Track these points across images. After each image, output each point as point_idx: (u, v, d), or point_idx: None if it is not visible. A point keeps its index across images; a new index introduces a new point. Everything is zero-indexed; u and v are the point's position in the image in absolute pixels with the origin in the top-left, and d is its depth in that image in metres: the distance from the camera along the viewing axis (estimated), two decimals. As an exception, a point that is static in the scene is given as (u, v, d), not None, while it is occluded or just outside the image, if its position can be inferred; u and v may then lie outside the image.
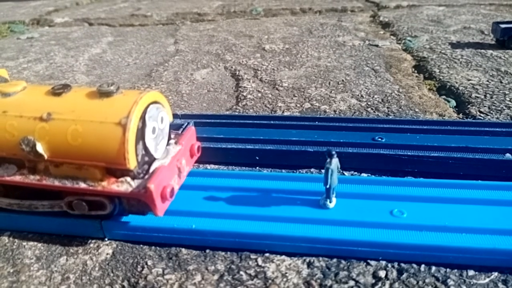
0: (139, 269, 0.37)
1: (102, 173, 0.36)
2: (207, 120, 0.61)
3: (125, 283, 0.36)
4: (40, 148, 0.35)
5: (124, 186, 0.35)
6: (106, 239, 0.41)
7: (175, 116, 0.62)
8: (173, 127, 0.59)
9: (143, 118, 0.35)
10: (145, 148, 0.36)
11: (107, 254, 0.39)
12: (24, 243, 0.41)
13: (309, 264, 0.37)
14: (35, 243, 0.41)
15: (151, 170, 0.37)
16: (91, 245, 0.41)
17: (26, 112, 0.36)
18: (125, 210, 0.38)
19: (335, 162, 0.39)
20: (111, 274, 0.37)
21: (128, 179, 0.36)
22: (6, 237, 0.42)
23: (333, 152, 0.38)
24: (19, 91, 0.39)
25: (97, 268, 0.38)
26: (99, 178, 0.36)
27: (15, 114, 0.37)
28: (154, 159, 0.38)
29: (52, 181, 0.37)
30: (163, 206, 0.36)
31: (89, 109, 0.36)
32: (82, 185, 0.36)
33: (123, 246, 0.40)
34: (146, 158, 0.37)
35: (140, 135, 0.35)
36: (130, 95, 0.36)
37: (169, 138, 0.40)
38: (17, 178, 0.38)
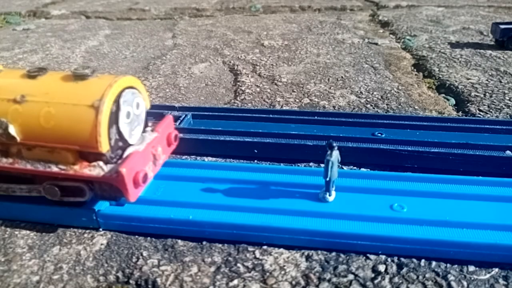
0: (134, 260, 0.36)
1: (74, 157, 0.35)
2: (206, 113, 0.60)
3: (120, 274, 0.35)
4: (12, 130, 0.35)
5: (96, 170, 0.35)
6: (101, 229, 0.40)
7: (172, 108, 0.62)
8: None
9: (117, 102, 0.35)
10: (119, 133, 0.36)
11: (101, 244, 0.38)
12: (16, 232, 0.40)
13: (308, 257, 0.36)
14: (28, 232, 0.40)
15: (124, 156, 0.36)
16: (85, 235, 0.40)
17: (0, 94, 0.36)
18: (97, 195, 0.38)
19: (335, 155, 0.38)
20: (105, 265, 0.36)
21: (101, 163, 0.35)
22: (-2, 226, 0.41)
23: (334, 144, 0.38)
24: None
25: (91, 259, 0.37)
26: (71, 162, 0.35)
27: None
28: (129, 144, 0.37)
29: (25, 164, 0.36)
30: (135, 191, 0.35)
31: (63, 91, 0.35)
32: (54, 168, 0.36)
33: (118, 236, 0.39)
34: (120, 143, 0.36)
35: (114, 119, 0.35)
36: (105, 78, 0.35)
37: (146, 126, 0.40)
38: None
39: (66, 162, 0.35)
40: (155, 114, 0.60)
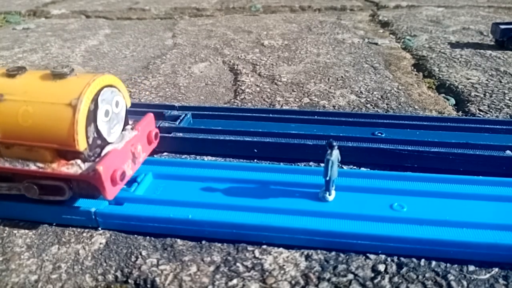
0: (133, 259, 0.36)
1: (52, 155, 0.35)
2: (206, 112, 0.60)
3: (118, 273, 0.35)
4: None
5: (74, 168, 0.35)
6: (100, 228, 0.40)
7: (172, 107, 0.62)
8: (169, 118, 0.58)
9: (95, 101, 0.35)
10: (97, 131, 0.36)
11: (100, 243, 0.38)
12: (15, 231, 0.40)
13: (307, 257, 0.36)
14: (26, 231, 0.40)
15: (103, 154, 0.36)
16: (84, 234, 0.40)
17: None
18: (76, 194, 0.38)
19: (335, 154, 0.38)
20: (104, 264, 0.36)
21: (79, 161, 0.35)
22: (-3, 225, 0.41)
23: (334, 143, 0.37)
24: None
25: (89, 258, 0.37)
26: (49, 160, 0.36)
27: None
28: (108, 143, 0.37)
29: (3, 163, 0.37)
30: (112, 189, 0.35)
31: (41, 90, 0.35)
32: (33, 167, 0.36)
33: (117, 236, 0.39)
34: (99, 142, 0.36)
35: (92, 117, 0.35)
36: (83, 77, 0.36)
37: (127, 124, 0.40)
38: None
39: (44, 160, 0.36)
40: (155, 114, 0.60)
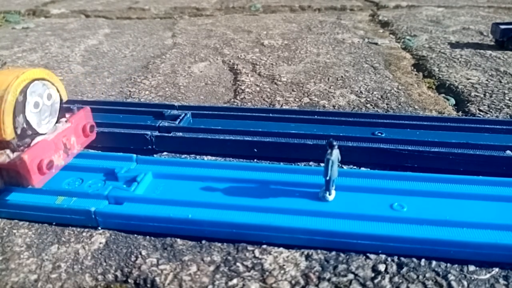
0: (132, 259, 0.36)
1: None
2: (206, 112, 0.60)
3: (118, 273, 0.35)
4: None
5: (3, 157, 0.37)
6: (100, 228, 0.40)
7: (172, 107, 0.62)
8: (169, 118, 0.58)
9: (24, 92, 0.37)
10: (26, 122, 0.37)
11: (100, 243, 0.38)
12: (15, 231, 0.40)
13: (308, 257, 0.36)
14: (26, 231, 0.40)
15: (32, 144, 0.38)
16: (84, 234, 0.39)
17: None
18: (7, 183, 0.39)
19: (335, 153, 0.38)
20: (104, 264, 0.36)
21: (8, 151, 0.37)
22: (-4, 224, 0.41)
23: (334, 143, 0.37)
24: None
25: (89, 257, 0.37)
26: None
27: None
28: (39, 134, 0.39)
29: None
30: (39, 177, 0.37)
31: None
32: None
33: (117, 235, 0.39)
34: (29, 132, 0.38)
35: (21, 108, 0.37)
36: (14, 70, 0.37)
37: (62, 116, 0.42)
38: None
39: None
40: (155, 113, 0.60)
